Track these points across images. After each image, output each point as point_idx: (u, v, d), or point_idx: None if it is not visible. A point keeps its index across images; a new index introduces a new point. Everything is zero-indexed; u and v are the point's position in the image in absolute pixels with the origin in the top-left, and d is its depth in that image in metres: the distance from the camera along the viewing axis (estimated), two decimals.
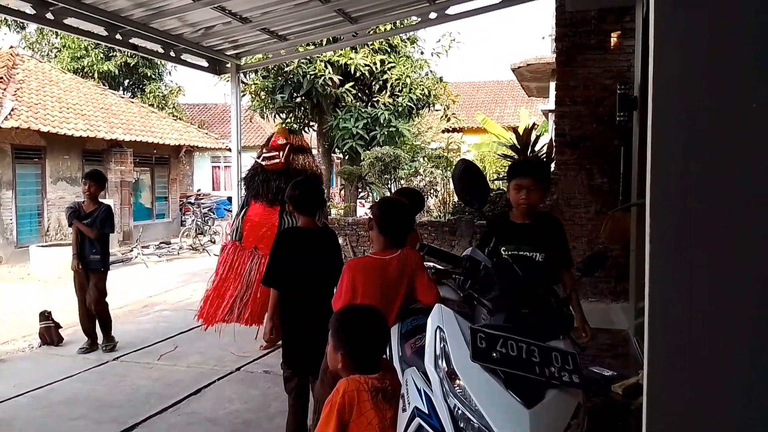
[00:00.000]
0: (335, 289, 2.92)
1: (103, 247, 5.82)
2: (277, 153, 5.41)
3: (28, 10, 5.81)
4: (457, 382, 1.95)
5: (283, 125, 13.35)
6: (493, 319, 2.20)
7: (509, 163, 9.85)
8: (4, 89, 12.32)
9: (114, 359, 5.37)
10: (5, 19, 18.78)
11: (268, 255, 5.02)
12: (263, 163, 5.47)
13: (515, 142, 9.21)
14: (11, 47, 15.36)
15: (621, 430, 2.92)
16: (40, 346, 5.86)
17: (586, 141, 6.91)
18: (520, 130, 9.97)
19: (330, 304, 2.90)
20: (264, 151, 5.64)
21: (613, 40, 6.57)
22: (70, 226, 5.98)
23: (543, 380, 1.92)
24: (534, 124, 11.74)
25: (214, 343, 5.64)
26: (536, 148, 9.00)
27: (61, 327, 6.07)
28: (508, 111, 25.35)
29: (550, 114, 11.62)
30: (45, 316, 5.96)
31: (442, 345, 2.03)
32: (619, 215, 5.65)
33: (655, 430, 0.96)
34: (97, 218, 5.77)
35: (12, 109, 11.81)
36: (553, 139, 7.94)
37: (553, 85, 9.60)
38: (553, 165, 7.94)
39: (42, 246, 11.58)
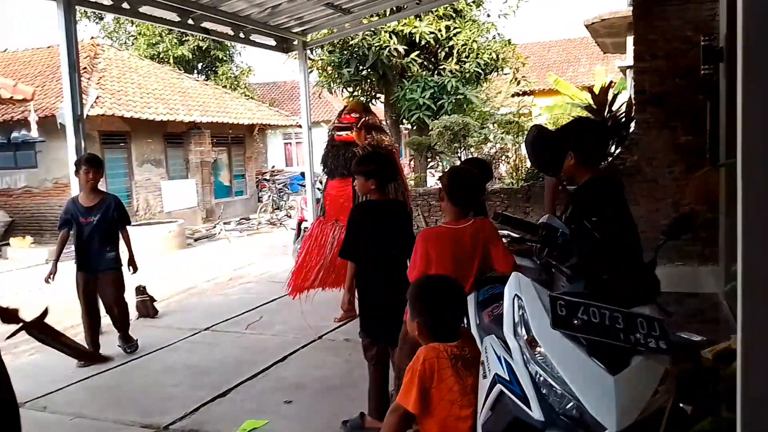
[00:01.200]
0: (408, 260, 2.97)
1: (117, 242, 5.09)
2: (349, 126, 5.61)
3: (106, 1, 6.10)
4: (538, 349, 1.95)
5: (352, 99, 13.45)
6: (573, 287, 2.17)
7: None
8: (89, 79, 13.03)
9: (205, 329, 5.70)
10: (85, 11, 19.73)
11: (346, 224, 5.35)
12: (335, 134, 5.68)
13: (591, 102, 8.84)
14: (92, 38, 16.19)
15: (711, 396, 2.82)
16: (137, 318, 6.27)
17: (669, 97, 6.56)
18: (596, 90, 9.54)
19: (404, 274, 2.96)
20: (336, 122, 5.82)
21: None
22: (62, 228, 4.91)
23: (628, 347, 1.88)
24: (611, 82, 11.19)
25: (296, 312, 5.86)
26: (614, 108, 8.61)
27: (155, 300, 6.49)
28: (582, 70, 24.28)
29: (628, 70, 11.06)
30: (140, 290, 6.37)
31: (520, 313, 2.03)
32: (706, 175, 5.35)
33: (752, 395, 0.93)
34: (111, 212, 4.95)
35: (97, 98, 12.52)
36: (632, 96, 7.57)
37: (630, 39, 9.10)
38: (633, 124, 7.58)
39: (133, 225, 12.31)
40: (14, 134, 12.61)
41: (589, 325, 1.91)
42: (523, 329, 2.02)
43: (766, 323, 0.95)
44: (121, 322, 5.11)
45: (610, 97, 8.71)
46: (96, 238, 4.88)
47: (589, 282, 2.14)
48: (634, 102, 7.32)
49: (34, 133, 11.59)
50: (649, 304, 2.07)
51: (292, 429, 3.58)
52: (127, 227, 5.17)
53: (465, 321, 2.61)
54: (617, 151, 7.91)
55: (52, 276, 4.76)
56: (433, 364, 2.20)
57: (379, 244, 3.36)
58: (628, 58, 10.35)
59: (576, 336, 1.92)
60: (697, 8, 6.32)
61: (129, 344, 5.09)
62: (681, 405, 3.03)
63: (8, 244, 11.71)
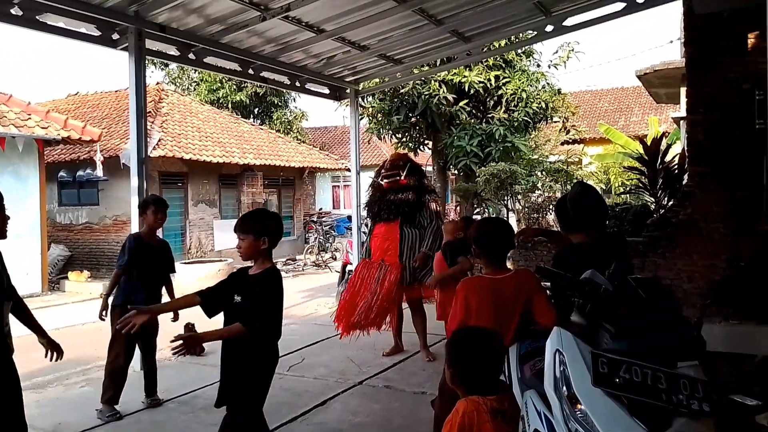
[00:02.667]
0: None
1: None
2: (397, 171, 5.94)
3: (173, 52, 6.50)
4: (579, 406, 1.93)
5: (401, 145, 13.68)
6: (617, 344, 2.14)
7: (636, 175, 9.35)
8: (152, 122, 13.74)
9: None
10: (152, 58, 20.94)
11: (393, 264, 5.67)
12: (383, 182, 5.98)
13: (642, 152, 8.72)
14: (157, 83, 17.15)
15: None
16: (184, 355, 6.40)
17: (723, 151, 6.43)
18: (648, 140, 9.43)
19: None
20: (383, 171, 6.12)
21: (750, 41, 6.08)
22: (123, 267, 4.63)
23: (670, 408, 1.84)
24: (664, 132, 11.07)
25: (338, 356, 5.90)
26: (666, 159, 8.47)
27: None
28: (635, 119, 24.00)
29: (681, 122, 10.89)
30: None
31: (561, 368, 2.02)
32: (761, 231, 5.18)
33: None
34: (167, 254, 4.95)
35: (159, 140, 13.17)
36: (686, 148, 7.44)
37: (684, 90, 9.01)
38: (686, 177, 7.43)
39: (185, 263, 12.71)
40: (80, 173, 13.34)
41: (630, 384, 1.89)
42: (564, 385, 2.01)
43: None
44: (153, 374, 4.93)
45: (663, 147, 8.58)
46: (158, 276, 4.82)
47: (632, 340, 2.11)
48: (687, 154, 7.20)
49: (99, 172, 12.23)
50: (693, 364, 2.02)
51: None
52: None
53: (505, 373, 2.59)
54: (670, 203, 7.74)
55: (105, 312, 4.70)
56: (472, 417, 2.18)
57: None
58: (682, 109, 10.21)
59: (617, 394, 1.89)
60: (753, 61, 6.23)
61: (157, 398, 4.91)
62: None
63: (66, 278, 12.25)
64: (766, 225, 5.39)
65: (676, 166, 8.10)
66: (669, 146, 9.07)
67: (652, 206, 8.47)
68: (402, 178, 5.88)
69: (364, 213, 6.90)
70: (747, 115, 5.96)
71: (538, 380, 2.29)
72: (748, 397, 3.97)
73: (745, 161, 6.13)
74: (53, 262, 12.68)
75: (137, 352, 4.93)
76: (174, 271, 5.09)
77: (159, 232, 5.01)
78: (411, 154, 14.52)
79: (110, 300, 4.73)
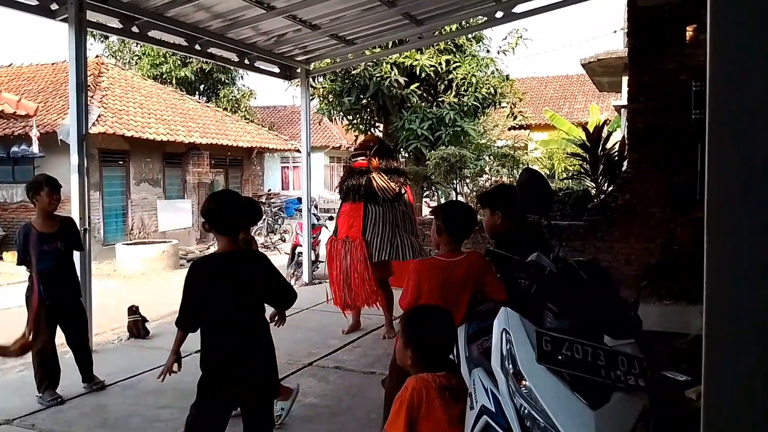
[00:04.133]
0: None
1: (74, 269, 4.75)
2: (365, 151, 6.13)
3: (116, 24, 6.24)
4: (523, 382, 2.01)
5: (351, 127, 13.63)
6: (559, 323, 2.24)
7: (579, 161, 9.66)
8: (92, 96, 13.17)
9: (196, 351, 5.69)
10: (91, 30, 20.01)
11: (355, 240, 5.82)
12: (351, 161, 6.24)
13: (585, 139, 9.02)
14: (97, 56, 16.42)
15: None
16: (128, 338, 6.27)
17: (662, 138, 6.71)
18: (591, 127, 9.75)
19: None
20: (354, 151, 6.50)
21: (689, 33, 6.34)
22: (24, 263, 4.41)
23: (608, 383, 1.95)
24: (606, 120, 11.43)
25: (287, 338, 5.88)
26: (607, 146, 8.79)
27: (147, 321, 6.49)
28: (578, 106, 24.70)
29: (622, 110, 11.29)
30: (133, 310, 6.38)
31: (508, 347, 2.09)
32: (694, 217, 5.46)
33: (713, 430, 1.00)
34: (73, 237, 4.64)
35: (99, 116, 12.65)
36: (626, 136, 7.73)
37: (625, 80, 9.33)
38: (625, 163, 7.74)
39: (127, 244, 12.35)
40: (14, 149, 12.69)
41: (572, 361, 1.98)
42: (510, 363, 2.08)
43: (724, 362, 1.02)
44: (86, 357, 4.75)
45: (604, 135, 8.90)
46: (61, 268, 4.52)
47: (574, 319, 2.21)
48: (627, 141, 7.48)
49: (35, 148, 11.68)
50: (630, 342, 2.14)
51: None
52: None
53: (454, 352, 2.67)
54: (609, 189, 8.05)
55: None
56: (421, 394, 2.25)
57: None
58: (623, 98, 10.59)
59: (560, 371, 1.98)
60: (692, 54, 6.51)
61: (97, 383, 4.73)
62: None
63: (1, 258, 11.70)
64: (699, 211, 5.69)
65: (616, 153, 8.42)
66: (610, 134, 9.41)
67: (593, 191, 8.79)
68: (368, 157, 6.01)
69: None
70: (684, 106, 6.23)
71: (485, 358, 2.37)
72: (679, 373, 4.23)
73: (682, 150, 6.43)
74: None
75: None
76: (80, 249, 4.92)
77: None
78: (362, 137, 14.49)
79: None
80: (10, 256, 11.54)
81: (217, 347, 2.82)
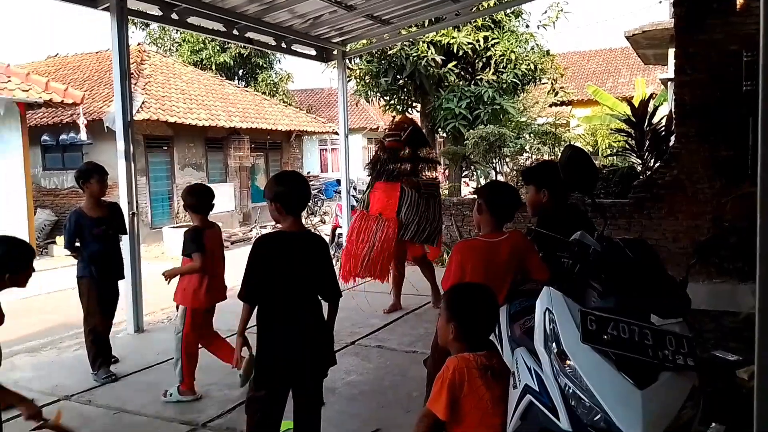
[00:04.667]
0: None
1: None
2: (399, 132, 6.10)
3: (155, 11, 6.35)
4: (568, 362, 1.99)
5: (388, 107, 13.58)
6: (604, 303, 2.20)
7: (623, 137, 9.39)
8: (135, 84, 13.48)
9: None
10: (132, 19, 20.42)
11: (390, 219, 5.86)
12: (385, 141, 6.20)
13: (630, 114, 8.76)
14: (139, 44, 16.75)
15: (745, 415, 2.80)
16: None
17: (710, 111, 6.47)
18: (636, 102, 9.45)
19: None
20: (386, 131, 6.44)
21: (738, 1, 6.05)
22: (70, 248, 4.67)
23: (656, 363, 1.92)
24: (651, 94, 11.08)
25: None
26: (653, 120, 8.51)
27: None
28: (623, 80, 23.96)
29: (669, 83, 10.90)
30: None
31: (551, 326, 2.07)
32: (745, 191, 5.26)
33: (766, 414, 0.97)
34: (119, 222, 4.95)
35: (143, 103, 12.95)
36: (673, 110, 7.47)
37: (672, 51, 8.99)
38: (672, 138, 7.49)
39: (174, 227, 12.68)
40: (63, 136, 13.14)
41: (618, 341, 1.95)
42: (554, 342, 2.06)
43: None
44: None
45: (650, 109, 8.62)
46: (112, 242, 4.79)
47: (619, 298, 2.17)
48: (674, 115, 7.24)
49: (83, 135, 12.04)
50: (678, 321, 2.09)
51: (324, 431, 3.66)
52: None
53: (495, 332, 2.66)
54: (656, 164, 7.82)
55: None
56: (463, 373, 2.25)
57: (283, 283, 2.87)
58: (670, 70, 10.21)
59: (605, 350, 1.96)
60: (741, 22, 6.23)
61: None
62: (714, 425, 3.02)
63: (54, 242, 12.18)
64: (751, 185, 5.48)
65: (663, 128, 8.16)
66: (656, 108, 9.09)
67: (639, 168, 8.55)
68: (402, 138, 6.03)
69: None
70: (734, 77, 5.98)
71: (527, 338, 2.36)
72: (729, 352, 4.12)
73: (732, 122, 6.18)
74: (40, 227, 12.58)
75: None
76: (125, 233, 5.13)
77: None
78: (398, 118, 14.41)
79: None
80: (63, 240, 12.03)
81: (273, 326, 2.87)
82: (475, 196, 3.43)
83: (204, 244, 4.09)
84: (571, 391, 1.93)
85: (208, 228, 4.21)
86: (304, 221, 3.07)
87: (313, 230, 14.86)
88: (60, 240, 12.04)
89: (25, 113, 11.35)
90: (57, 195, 13.89)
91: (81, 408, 4.17)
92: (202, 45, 22.71)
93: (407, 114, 13.66)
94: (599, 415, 1.85)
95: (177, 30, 22.54)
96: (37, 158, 13.72)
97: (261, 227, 14.62)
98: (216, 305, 4.37)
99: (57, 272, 10.16)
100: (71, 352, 5.37)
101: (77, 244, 4.65)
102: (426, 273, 6.39)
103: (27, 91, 10.69)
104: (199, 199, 4.17)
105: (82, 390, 4.43)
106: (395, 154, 6.06)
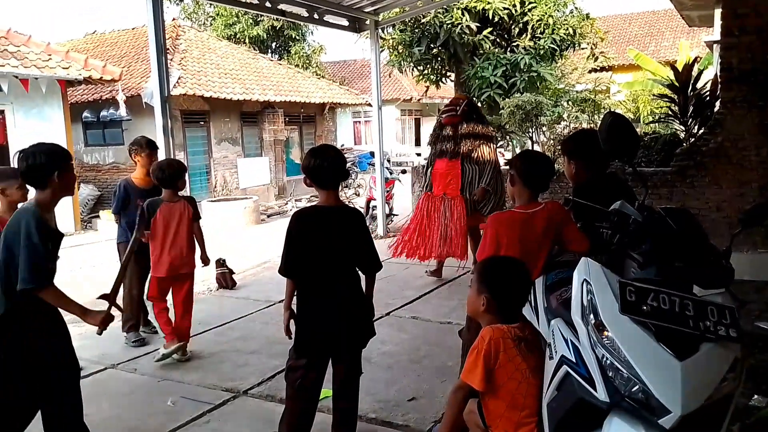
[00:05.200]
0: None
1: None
2: (454, 108, 6.18)
3: None
4: (605, 333, 1.97)
5: (422, 77, 13.40)
6: (644, 273, 2.16)
7: (666, 103, 9.08)
8: (171, 59, 13.61)
9: (279, 301, 5.96)
10: None
11: (455, 197, 5.97)
12: (442, 117, 6.30)
13: (673, 79, 8.44)
14: (174, 19, 16.86)
15: None
16: (217, 289, 6.64)
17: (758, 75, 6.19)
18: (679, 66, 9.09)
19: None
20: (444, 108, 6.48)
21: None
22: (117, 212, 4.98)
23: (697, 334, 1.88)
24: (696, 57, 10.62)
25: None
26: (698, 85, 8.19)
27: (234, 273, 6.83)
28: (666, 44, 23.05)
29: (715, 45, 10.44)
30: (221, 263, 6.72)
31: (589, 297, 2.05)
32: None
33: None
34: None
35: (179, 78, 13.10)
36: (719, 74, 7.17)
37: (718, 12, 8.58)
38: (717, 103, 7.21)
39: (211, 201, 12.92)
40: (103, 113, 13.41)
41: (658, 312, 1.92)
42: (592, 313, 2.04)
43: None
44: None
45: (694, 73, 8.30)
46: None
47: (660, 268, 2.13)
48: (720, 79, 6.95)
49: (122, 111, 12.28)
50: (721, 292, 2.04)
51: (361, 399, 3.73)
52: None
53: (531, 303, 2.65)
54: (700, 131, 7.55)
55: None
56: (498, 344, 2.26)
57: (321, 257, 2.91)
58: (716, 32, 9.76)
59: (644, 322, 1.93)
60: None
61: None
62: (756, 396, 2.96)
63: (98, 217, 12.56)
64: None
65: (707, 93, 7.85)
66: (701, 72, 8.75)
67: (682, 135, 8.28)
68: (458, 113, 6.10)
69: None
70: None
71: (564, 309, 2.34)
72: None
73: None
74: (83, 201, 12.97)
75: None
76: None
77: None
78: (433, 87, 14.20)
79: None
80: (107, 214, 12.38)
81: (309, 299, 2.92)
82: (508, 167, 3.38)
83: (148, 219, 4.39)
84: (608, 362, 1.91)
85: (171, 201, 4.45)
86: (338, 194, 3.08)
87: (347, 203, 14.93)
88: (103, 214, 12.42)
89: (66, 91, 11.63)
90: (99, 170, 14.26)
91: (127, 375, 4.35)
92: (236, 18, 22.76)
93: (440, 83, 13.48)
94: (637, 386, 1.83)
95: (210, 4, 22.64)
96: (78, 135, 14.07)
97: (296, 200, 14.77)
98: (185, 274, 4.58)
99: (101, 245, 10.50)
100: (116, 321, 5.55)
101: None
102: (473, 244, 6.42)
103: (67, 68, 10.93)
104: (164, 173, 4.41)
105: (126, 359, 4.61)
106: (455, 129, 6.12)
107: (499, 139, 12.37)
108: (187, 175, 4.75)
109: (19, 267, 2.58)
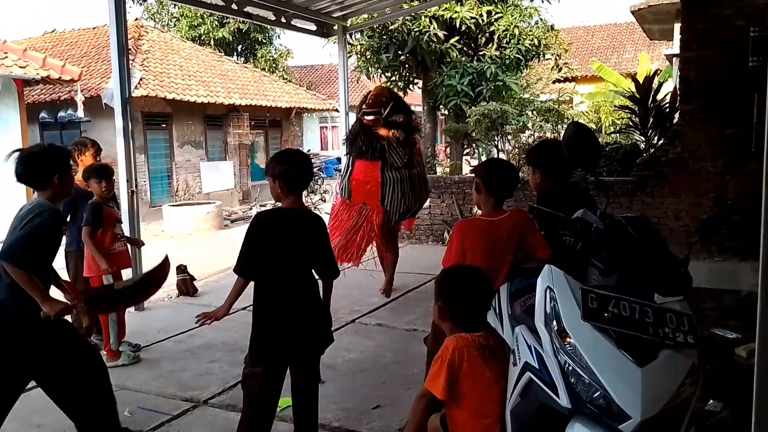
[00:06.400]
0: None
1: None
2: (379, 109, 5.57)
3: None
4: (568, 340, 1.98)
5: (389, 85, 13.43)
6: (606, 280, 2.19)
7: (627, 114, 9.31)
8: (133, 60, 13.31)
9: (242, 309, 5.83)
10: None
11: (374, 208, 5.53)
12: (364, 119, 5.68)
13: (634, 90, 8.66)
14: (136, 19, 16.53)
15: (743, 393, 2.81)
16: (177, 296, 6.49)
17: (716, 88, 6.40)
18: (640, 78, 9.34)
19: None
20: (364, 107, 5.76)
21: None
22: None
23: (656, 340, 1.91)
24: (656, 70, 10.92)
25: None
26: (658, 97, 8.42)
27: (195, 279, 6.69)
28: (627, 56, 23.65)
29: (674, 59, 10.76)
30: (181, 269, 6.58)
31: (552, 304, 2.06)
32: (748, 170, 5.23)
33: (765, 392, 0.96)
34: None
35: (141, 79, 12.82)
36: (678, 86, 7.39)
37: (678, 27, 8.86)
38: (677, 115, 7.41)
39: (173, 205, 12.67)
40: (61, 114, 13.02)
41: (619, 318, 1.94)
42: (554, 320, 2.06)
43: None
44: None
45: (654, 86, 8.53)
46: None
47: (621, 276, 2.16)
48: (679, 92, 7.16)
49: (81, 113, 11.96)
50: (679, 299, 2.08)
51: (324, 407, 3.69)
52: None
53: (496, 311, 2.65)
54: (659, 142, 7.75)
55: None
56: (462, 353, 2.26)
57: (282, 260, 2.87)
58: (675, 46, 10.08)
59: (605, 328, 1.95)
60: None
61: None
62: (712, 402, 3.03)
63: None
64: (754, 164, 5.43)
65: (667, 105, 8.07)
66: (661, 84, 9.00)
67: (642, 145, 8.49)
68: (383, 116, 5.54)
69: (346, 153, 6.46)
70: (741, 53, 5.90)
71: (528, 316, 2.35)
72: (729, 330, 4.13)
73: (736, 100, 6.12)
74: None
75: None
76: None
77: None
78: (400, 93, 14.25)
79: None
80: None
81: (271, 302, 2.87)
82: (473, 175, 3.40)
83: (99, 219, 4.37)
84: (570, 368, 1.93)
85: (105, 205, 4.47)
86: (304, 200, 3.05)
87: (313, 209, 14.85)
88: None
89: (22, 90, 11.24)
90: None
91: None
92: (201, 20, 22.42)
93: (407, 90, 13.53)
94: (598, 392, 1.85)
95: (175, 4, 22.27)
96: (35, 136, 13.61)
97: (261, 205, 14.60)
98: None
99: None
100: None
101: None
102: (387, 257, 6.10)
103: (24, 67, 10.58)
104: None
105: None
106: (375, 128, 5.58)
107: (465, 146, 12.50)
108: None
109: (10, 239, 2.56)
